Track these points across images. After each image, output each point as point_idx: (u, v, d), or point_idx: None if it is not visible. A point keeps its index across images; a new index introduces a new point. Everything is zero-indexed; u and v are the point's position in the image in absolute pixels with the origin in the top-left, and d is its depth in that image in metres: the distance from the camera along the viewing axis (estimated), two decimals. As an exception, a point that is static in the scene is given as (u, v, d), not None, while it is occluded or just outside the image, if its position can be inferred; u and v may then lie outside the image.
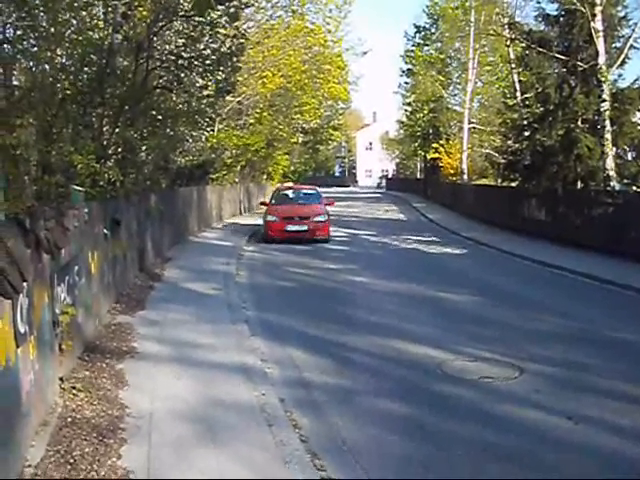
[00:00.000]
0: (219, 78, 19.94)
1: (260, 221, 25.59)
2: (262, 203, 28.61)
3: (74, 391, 7.04)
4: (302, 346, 9.62)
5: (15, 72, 13.76)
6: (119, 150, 15.27)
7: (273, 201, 25.75)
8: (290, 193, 27.26)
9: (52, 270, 6.70)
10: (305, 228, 22.87)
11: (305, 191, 27.77)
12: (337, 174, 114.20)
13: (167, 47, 18.37)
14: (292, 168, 51.65)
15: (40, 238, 5.64)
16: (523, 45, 26.27)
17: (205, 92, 19.94)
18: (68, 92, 13.53)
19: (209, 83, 19.61)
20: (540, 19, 24.62)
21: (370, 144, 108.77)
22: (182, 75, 18.15)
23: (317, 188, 28.37)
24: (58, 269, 7.03)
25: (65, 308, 7.20)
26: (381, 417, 7.09)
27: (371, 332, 10.48)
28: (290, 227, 22.83)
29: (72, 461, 5.49)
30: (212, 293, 13.35)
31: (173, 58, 17.88)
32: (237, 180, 36.16)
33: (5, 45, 13.22)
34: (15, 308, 5.10)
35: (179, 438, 6.11)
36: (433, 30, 51.39)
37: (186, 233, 23.08)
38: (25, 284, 5.12)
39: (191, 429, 6.35)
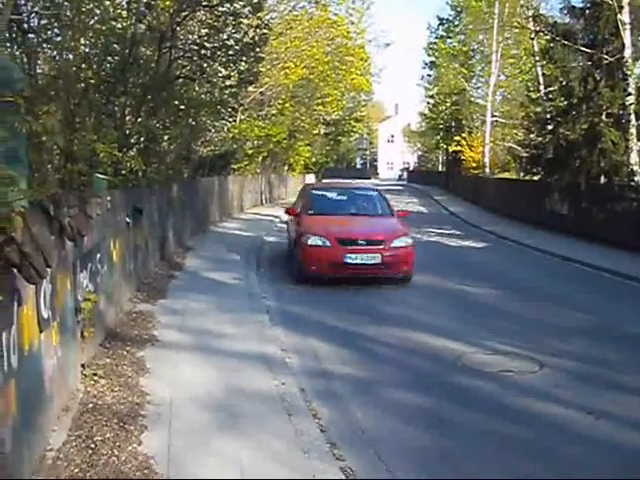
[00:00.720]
0: (242, 68, 20.00)
1: (279, 213, 24.92)
2: (289, 211, 16.65)
3: (95, 377, 7.09)
4: (322, 337, 9.63)
5: (39, 61, 13.84)
6: (141, 139, 15.33)
7: (310, 210, 15.21)
8: (334, 194, 16.75)
9: (75, 257, 6.74)
10: (378, 260, 13.33)
11: (360, 191, 17.67)
12: (358, 166, 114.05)
13: (190, 37, 18.45)
14: (313, 159, 51.58)
15: (63, 225, 5.66)
16: (547, 38, 26.07)
17: (228, 82, 20.00)
18: (92, 81, 13.60)
19: (232, 73, 19.66)
20: (565, 11, 24.43)
21: (392, 136, 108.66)
22: (205, 65, 18.22)
23: (371, 184, 18.83)
24: (80, 256, 7.07)
25: (87, 295, 7.24)
26: (400, 408, 7.08)
27: (391, 324, 10.48)
28: (352, 258, 13.24)
29: (93, 446, 5.53)
30: (233, 283, 13.39)
31: (196, 48, 17.95)
32: (259, 171, 36.20)
33: (30, 34, 13.30)
34: (39, 294, 5.13)
35: (199, 425, 6.14)
36: (456, 22, 51.28)
37: (207, 223, 23.14)
38: (49, 270, 5.15)
39: (211, 417, 6.37)
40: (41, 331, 5.20)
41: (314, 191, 17.11)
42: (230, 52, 18.57)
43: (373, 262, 13.39)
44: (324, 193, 16.93)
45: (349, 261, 13.29)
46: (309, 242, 13.61)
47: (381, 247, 13.52)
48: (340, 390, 7.55)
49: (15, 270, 4.15)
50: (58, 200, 5.45)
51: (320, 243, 13.55)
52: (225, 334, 9.32)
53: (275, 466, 5.40)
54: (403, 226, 14.86)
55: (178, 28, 17.18)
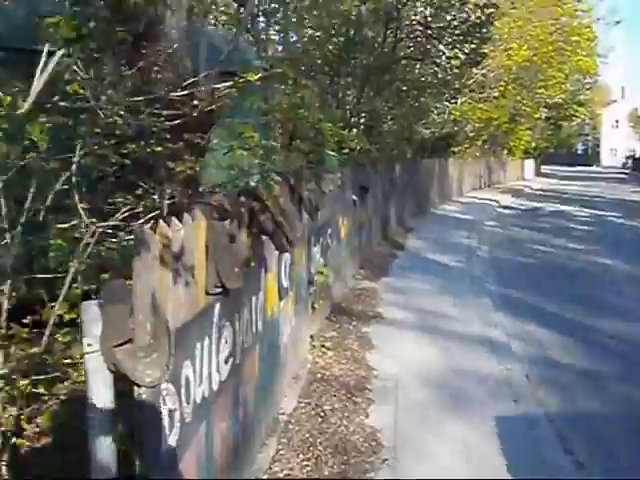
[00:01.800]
0: (467, 50, 19.71)
1: (498, 197, 24.33)
2: None
3: (323, 349, 7.30)
4: (545, 324, 9.29)
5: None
6: (363, 119, 15.56)
7: None
8: None
9: (310, 230, 6.95)
10: None
11: None
12: (579, 152, 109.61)
13: (414, 18, 18.41)
14: (533, 144, 49.97)
15: (303, 198, 5.84)
16: None
17: (453, 62, 19.79)
18: (319, 61, 13.97)
19: (458, 54, 19.44)
20: None
21: (616, 122, 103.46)
22: (429, 46, 18.16)
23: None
24: (315, 230, 7.28)
25: (320, 268, 7.46)
26: (630, 406, 6.67)
27: (618, 316, 9.90)
28: None
29: (322, 414, 5.70)
30: (454, 265, 13.31)
31: (421, 29, 17.91)
32: (478, 154, 35.67)
33: (258, 18, 13.86)
34: (280, 263, 5.34)
35: (424, 403, 6.17)
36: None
37: (427, 205, 23.12)
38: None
39: (436, 396, 6.38)
40: (280, 299, 5.41)
41: None
42: (456, 32, 18.37)
43: None
44: None
45: None
46: None
47: None
48: (566, 380, 7.24)
49: (265, 238, 4.32)
50: (299, 174, 5.63)
51: None
52: (447, 315, 9.31)
53: (503, 453, 5.28)
54: None
55: (403, 9, 17.22)
